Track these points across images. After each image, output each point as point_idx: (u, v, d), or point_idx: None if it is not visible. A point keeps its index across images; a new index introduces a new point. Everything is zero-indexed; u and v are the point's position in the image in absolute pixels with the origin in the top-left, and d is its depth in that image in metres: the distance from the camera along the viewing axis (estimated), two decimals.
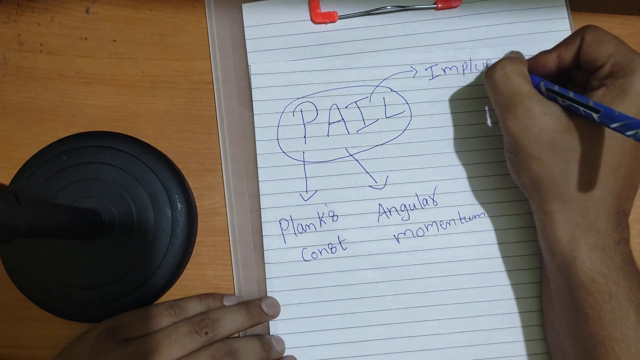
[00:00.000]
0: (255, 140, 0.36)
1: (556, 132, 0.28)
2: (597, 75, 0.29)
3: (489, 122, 0.36)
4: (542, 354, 0.34)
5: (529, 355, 0.34)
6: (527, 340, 0.34)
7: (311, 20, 0.37)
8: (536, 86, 0.30)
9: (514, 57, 0.31)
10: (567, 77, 0.33)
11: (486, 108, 0.36)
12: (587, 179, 0.28)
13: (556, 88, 0.29)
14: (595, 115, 0.26)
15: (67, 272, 0.33)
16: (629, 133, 0.24)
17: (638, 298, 0.27)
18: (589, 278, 0.28)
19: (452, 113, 0.36)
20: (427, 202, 0.35)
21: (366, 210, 0.35)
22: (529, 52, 0.36)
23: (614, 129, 0.25)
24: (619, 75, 0.28)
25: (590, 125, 0.28)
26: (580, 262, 0.28)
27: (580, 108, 0.27)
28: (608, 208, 0.28)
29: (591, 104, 0.26)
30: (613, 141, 0.28)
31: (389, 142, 0.36)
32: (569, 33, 0.36)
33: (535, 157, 0.29)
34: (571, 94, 0.28)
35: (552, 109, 0.28)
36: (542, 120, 0.28)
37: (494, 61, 0.36)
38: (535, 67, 0.32)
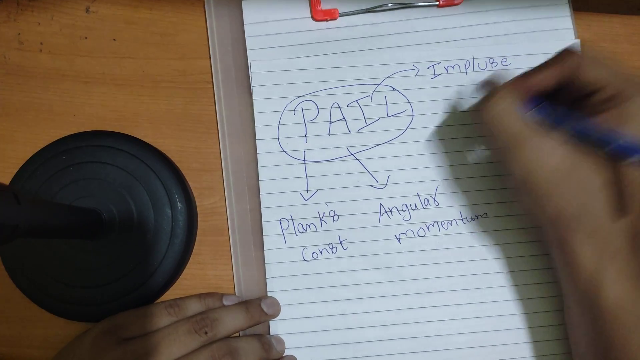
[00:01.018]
0: (255, 139, 0.35)
1: (570, 164, 0.27)
2: (595, 99, 0.28)
3: None
4: (544, 355, 0.33)
5: (531, 357, 0.33)
6: (530, 342, 0.34)
7: (312, 17, 0.37)
8: (532, 112, 0.28)
9: (507, 88, 0.29)
10: (559, 96, 0.31)
11: None
12: (609, 208, 0.27)
13: (559, 113, 0.27)
14: (605, 149, 0.25)
15: (67, 272, 0.33)
16: None
17: None
18: (615, 306, 0.27)
19: (455, 112, 0.36)
20: (428, 202, 0.35)
21: (367, 210, 0.35)
22: (530, 50, 0.36)
23: (631, 161, 0.24)
24: (617, 100, 0.27)
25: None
26: (607, 291, 0.27)
27: (587, 139, 0.26)
28: (630, 232, 0.27)
29: (599, 134, 0.25)
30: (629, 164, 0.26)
31: (390, 142, 0.36)
32: (571, 31, 0.36)
33: (553, 194, 0.27)
34: (575, 123, 0.26)
35: (559, 142, 0.27)
36: (552, 157, 0.27)
37: (496, 60, 0.36)
38: (526, 88, 0.30)
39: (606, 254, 0.27)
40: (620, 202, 0.27)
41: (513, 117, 0.28)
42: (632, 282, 0.27)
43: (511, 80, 0.30)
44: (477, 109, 0.30)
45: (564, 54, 0.29)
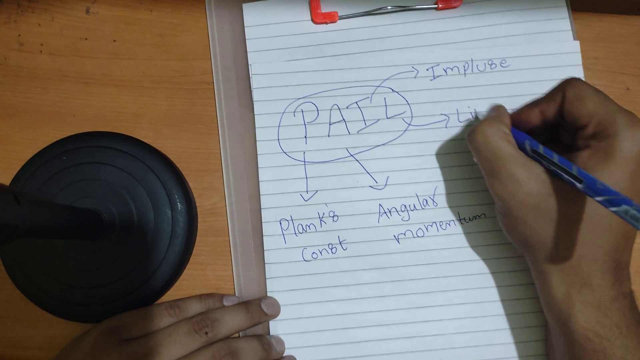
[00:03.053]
0: (255, 141, 0.36)
1: (541, 195, 0.27)
2: (582, 134, 0.28)
3: None
4: (542, 355, 0.34)
5: (529, 356, 0.34)
6: (528, 341, 0.34)
7: (312, 20, 0.37)
8: (521, 145, 0.29)
9: (494, 116, 0.30)
10: (556, 129, 0.32)
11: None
12: (578, 240, 0.27)
13: (541, 150, 0.28)
14: (578, 186, 0.25)
15: (67, 272, 0.33)
16: (613, 209, 0.23)
17: (634, 358, 0.27)
18: (583, 336, 0.27)
19: (453, 114, 0.36)
20: (427, 202, 0.35)
21: (366, 210, 0.35)
22: (529, 52, 0.36)
23: (598, 202, 0.24)
24: (602, 136, 0.27)
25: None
26: (575, 320, 0.27)
27: (564, 175, 0.26)
28: (603, 265, 0.27)
29: (574, 171, 0.25)
30: None
31: (389, 143, 0.36)
32: (569, 33, 0.36)
33: (524, 220, 0.28)
34: (555, 158, 0.27)
35: (536, 172, 0.28)
36: (527, 185, 0.28)
37: (494, 62, 0.36)
38: (520, 122, 0.31)
39: (574, 284, 0.28)
40: (589, 237, 0.27)
41: (500, 141, 0.29)
42: (600, 313, 0.27)
43: (501, 112, 0.31)
44: (465, 136, 0.31)
45: (553, 92, 0.29)
